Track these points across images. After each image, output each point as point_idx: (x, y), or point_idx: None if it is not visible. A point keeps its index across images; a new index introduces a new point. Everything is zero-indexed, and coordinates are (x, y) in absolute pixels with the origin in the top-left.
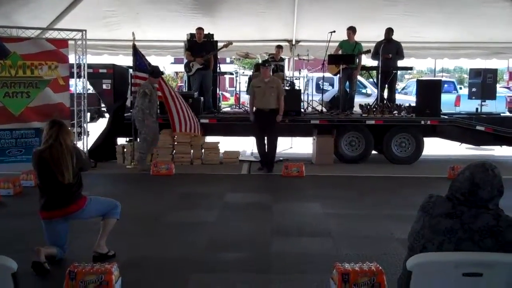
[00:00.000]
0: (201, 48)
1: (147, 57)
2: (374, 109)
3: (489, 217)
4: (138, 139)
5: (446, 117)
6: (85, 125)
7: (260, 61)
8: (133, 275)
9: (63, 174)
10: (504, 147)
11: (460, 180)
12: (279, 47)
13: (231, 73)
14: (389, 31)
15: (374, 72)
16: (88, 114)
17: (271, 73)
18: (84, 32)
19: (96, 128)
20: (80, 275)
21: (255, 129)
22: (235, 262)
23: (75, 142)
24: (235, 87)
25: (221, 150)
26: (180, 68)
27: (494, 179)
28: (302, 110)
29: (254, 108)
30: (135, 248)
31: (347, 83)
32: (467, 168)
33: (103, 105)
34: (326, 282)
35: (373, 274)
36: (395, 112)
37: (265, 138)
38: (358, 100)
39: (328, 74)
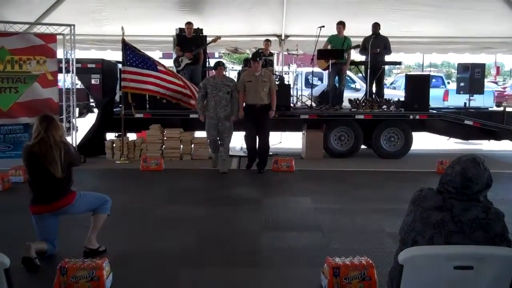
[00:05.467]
0: (190, 43)
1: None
2: (363, 104)
3: (478, 210)
4: None
5: (434, 111)
6: (73, 120)
7: (250, 56)
8: (124, 270)
9: (52, 168)
10: (492, 141)
11: (451, 174)
12: (268, 41)
13: None
14: (376, 26)
15: (363, 67)
16: (77, 109)
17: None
18: (72, 26)
19: (85, 123)
20: (71, 271)
21: (247, 125)
22: (226, 256)
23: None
24: None
25: None
26: (169, 63)
27: (485, 173)
28: (292, 105)
29: (244, 104)
30: (125, 243)
31: (336, 78)
32: (457, 162)
33: (92, 100)
34: (317, 276)
35: (364, 268)
36: (384, 106)
37: (256, 134)
38: (347, 95)
39: (317, 69)
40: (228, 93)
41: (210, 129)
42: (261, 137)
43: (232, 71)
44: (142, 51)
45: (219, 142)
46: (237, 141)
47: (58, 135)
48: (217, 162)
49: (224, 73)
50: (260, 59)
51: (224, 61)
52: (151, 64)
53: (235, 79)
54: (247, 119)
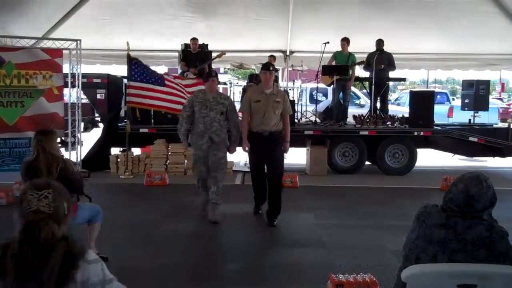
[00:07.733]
0: (196, 58)
1: None
2: (368, 120)
3: (482, 228)
4: None
5: (439, 128)
6: (79, 134)
7: (255, 71)
8: (126, 285)
9: (47, 175)
10: (497, 158)
11: (454, 192)
12: (272, 57)
13: (224, 83)
14: (380, 42)
15: (367, 83)
16: (82, 124)
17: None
18: (78, 41)
19: (90, 138)
20: None
21: (251, 160)
22: (229, 272)
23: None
24: None
25: None
26: None
27: (488, 191)
28: (296, 120)
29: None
30: (128, 258)
31: (341, 94)
32: (460, 179)
33: (97, 115)
34: None
35: (367, 285)
36: (389, 123)
37: (265, 169)
38: (352, 110)
39: (322, 85)
40: (222, 114)
41: (199, 163)
42: (271, 177)
43: (237, 87)
44: (148, 66)
45: (209, 181)
46: (241, 156)
47: (52, 149)
48: (207, 205)
49: (218, 87)
50: (273, 69)
51: (229, 76)
52: (158, 79)
53: (240, 95)
54: (252, 151)
